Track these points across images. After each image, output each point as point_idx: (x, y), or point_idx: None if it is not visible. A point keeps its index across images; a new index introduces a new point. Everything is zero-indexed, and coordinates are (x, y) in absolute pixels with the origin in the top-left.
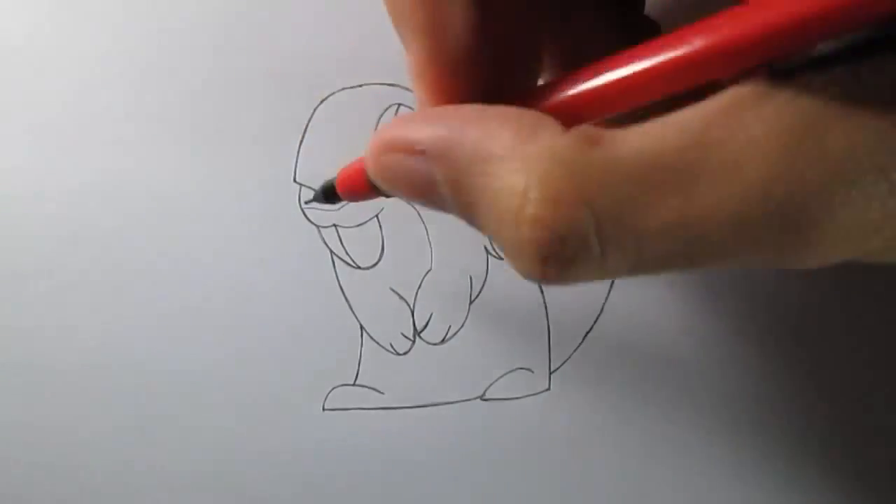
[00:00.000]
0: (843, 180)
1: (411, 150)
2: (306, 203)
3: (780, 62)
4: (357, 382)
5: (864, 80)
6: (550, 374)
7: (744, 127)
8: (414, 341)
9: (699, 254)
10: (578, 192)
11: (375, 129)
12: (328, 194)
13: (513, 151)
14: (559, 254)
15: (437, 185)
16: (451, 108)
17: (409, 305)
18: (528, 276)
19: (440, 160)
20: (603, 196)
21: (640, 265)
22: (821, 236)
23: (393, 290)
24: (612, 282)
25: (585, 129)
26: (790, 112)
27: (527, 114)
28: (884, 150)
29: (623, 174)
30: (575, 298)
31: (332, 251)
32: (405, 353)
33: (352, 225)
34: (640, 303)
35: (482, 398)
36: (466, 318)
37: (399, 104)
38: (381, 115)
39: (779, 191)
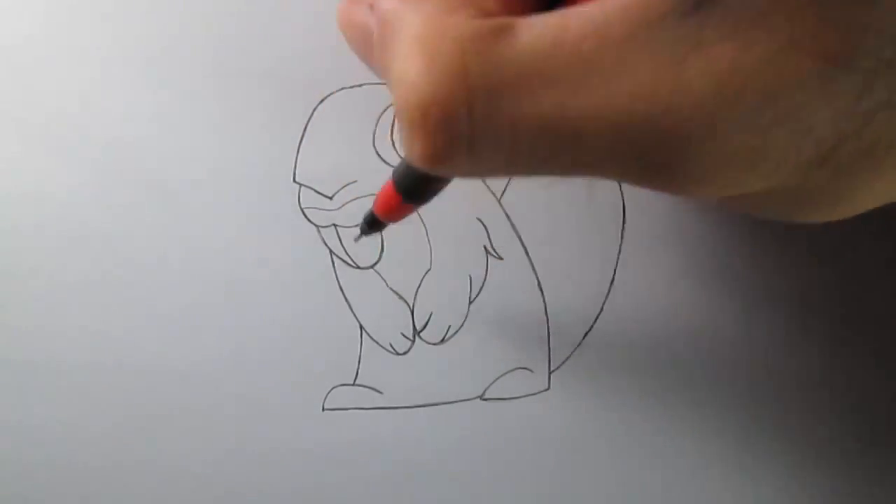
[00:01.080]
0: (727, 98)
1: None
2: (355, 240)
3: None
4: (357, 382)
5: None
6: (550, 373)
7: (643, 28)
8: (413, 341)
9: (574, 159)
10: (461, 70)
11: (375, 128)
12: (371, 223)
13: (426, 19)
14: (425, 126)
15: (371, 40)
16: None
17: (408, 305)
18: (407, 153)
19: (378, 18)
20: (486, 78)
21: (512, 160)
22: (698, 155)
23: (392, 290)
24: (612, 281)
25: (503, 20)
26: (690, 23)
27: None
28: (772, 73)
29: (512, 58)
30: (575, 298)
31: (331, 251)
32: (405, 353)
33: (351, 225)
34: (641, 303)
35: (482, 398)
36: (466, 317)
37: None
38: (381, 115)
39: (664, 97)
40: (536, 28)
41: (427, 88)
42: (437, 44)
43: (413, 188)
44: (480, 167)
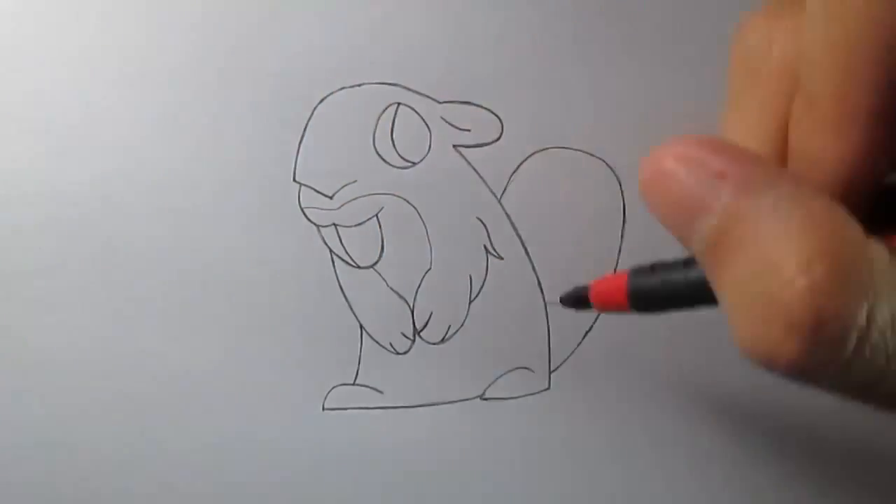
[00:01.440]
0: None
1: (710, 168)
2: (562, 304)
3: None
4: (357, 382)
5: None
6: (550, 373)
7: None
8: (414, 341)
9: None
10: (866, 291)
11: (375, 128)
12: (579, 302)
13: (816, 220)
14: (809, 332)
15: (706, 211)
16: (762, 157)
17: (408, 305)
18: (753, 340)
19: (738, 192)
20: (887, 308)
21: (875, 388)
22: None
23: (392, 290)
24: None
25: (885, 248)
26: None
27: (832, 200)
28: None
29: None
30: None
31: (331, 250)
32: (405, 353)
33: (351, 224)
34: None
35: (482, 397)
36: (466, 317)
37: (399, 103)
38: (381, 114)
39: None
40: None
41: (825, 299)
42: (838, 249)
43: (651, 307)
44: (827, 381)
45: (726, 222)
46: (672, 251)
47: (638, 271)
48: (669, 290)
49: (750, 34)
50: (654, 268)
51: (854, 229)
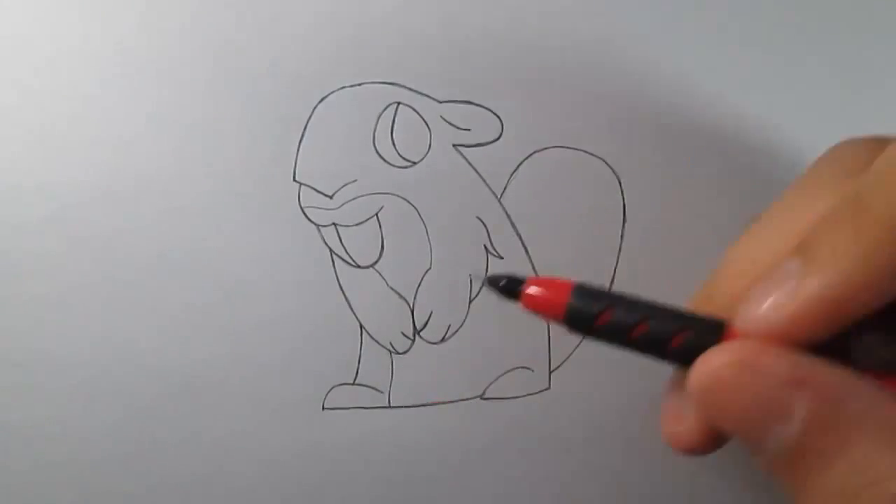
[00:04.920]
0: None
1: (785, 375)
2: (488, 286)
3: None
4: (357, 381)
5: None
6: (550, 373)
7: None
8: (414, 340)
9: None
10: None
11: (375, 127)
12: (506, 292)
13: None
14: None
15: (783, 419)
16: (832, 363)
17: (408, 304)
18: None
19: (820, 397)
20: None
21: None
22: None
23: (392, 289)
24: (612, 281)
25: None
26: None
27: None
28: None
29: None
30: None
31: (331, 250)
32: (405, 352)
33: (351, 224)
34: None
35: (482, 397)
36: (466, 316)
37: (399, 102)
38: (381, 114)
39: None
40: None
41: None
42: None
43: (586, 332)
44: None
45: (811, 431)
46: (673, 250)
47: (581, 295)
48: (606, 340)
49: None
50: (599, 312)
51: None
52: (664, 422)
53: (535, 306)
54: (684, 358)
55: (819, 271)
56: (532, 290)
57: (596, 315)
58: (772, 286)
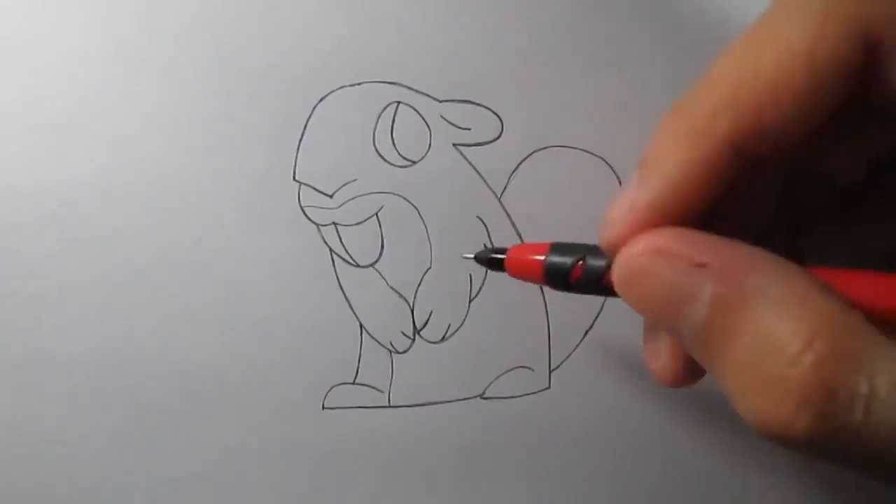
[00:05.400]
0: None
1: (689, 261)
2: (476, 260)
3: None
4: (357, 381)
5: None
6: (550, 372)
7: None
8: (414, 340)
9: None
10: (864, 362)
11: (375, 127)
12: (492, 263)
13: (804, 299)
14: (820, 404)
15: (691, 301)
16: (737, 242)
17: (408, 304)
18: (767, 417)
19: (721, 278)
20: (885, 377)
21: (882, 457)
22: None
23: (393, 289)
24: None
25: (863, 316)
26: None
27: (810, 273)
28: None
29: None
30: (575, 298)
31: (331, 249)
32: (405, 352)
33: (351, 223)
34: None
35: (482, 397)
36: (466, 316)
37: (399, 102)
38: (381, 113)
39: None
40: None
41: (831, 374)
42: (834, 323)
43: (564, 285)
44: (837, 450)
45: (715, 310)
46: None
47: (557, 248)
48: (586, 275)
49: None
50: (574, 248)
51: (840, 301)
52: (647, 359)
53: (518, 270)
54: None
55: (648, 179)
56: (513, 255)
57: (571, 266)
58: (619, 199)
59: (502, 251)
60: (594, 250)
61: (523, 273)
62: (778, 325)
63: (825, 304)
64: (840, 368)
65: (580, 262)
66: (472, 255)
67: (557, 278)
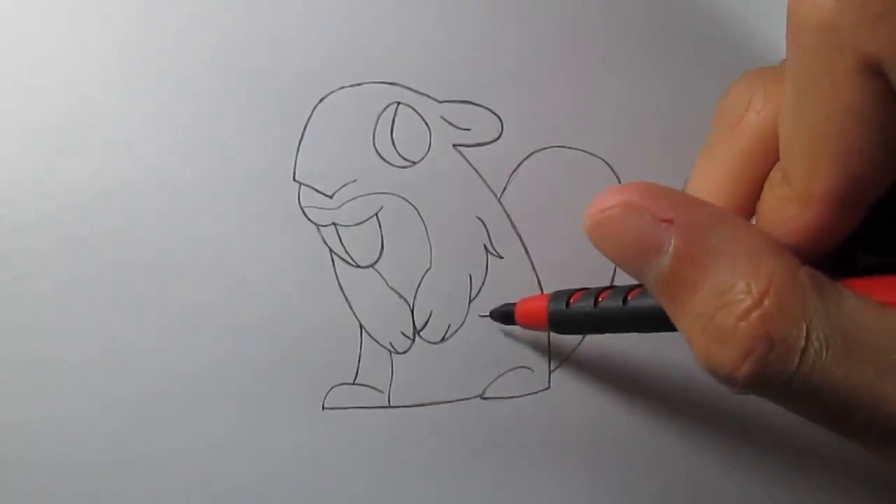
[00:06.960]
0: None
1: (657, 215)
2: (491, 318)
3: None
4: (356, 381)
5: None
6: (550, 373)
7: None
8: (413, 340)
9: (880, 436)
10: (803, 319)
11: (375, 127)
12: (505, 317)
13: (758, 257)
14: (761, 354)
15: (657, 253)
16: (702, 200)
17: (408, 304)
18: (716, 362)
19: (685, 234)
20: (823, 329)
21: (822, 404)
22: None
23: (392, 289)
24: (612, 281)
25: (816, 273)
26: None
27: (765, 233)
28: None
29: (845, 322)
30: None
31: (331, 249)
32: (405, 352)
33: (351, 223)
34: None
35: (482, 397)
36: (466, 316)
37: (398, 102)
38: (381, 114)
39: None
40: (871, 309)
41: (775, 326)
42: (779, 281)
43: (567, 329)
44: (780, 396)
45: (678, 263)
46: None
47: (557, 296)
48: (583, 318)
49: (733, 92)
50: (571, 295)
51: (790, 261)
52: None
53: (527, 320)
54: (640, 305)
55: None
56: (520, 308)
57: (567, 300)
58: None
59: (511, 305)
60: (586, 288)
61: (532, 322)
62: (732, 281)
63: (776, 264)
64: (782, 322)
65: (575, 294)
66: (487, 315)
67: (560, 318)
